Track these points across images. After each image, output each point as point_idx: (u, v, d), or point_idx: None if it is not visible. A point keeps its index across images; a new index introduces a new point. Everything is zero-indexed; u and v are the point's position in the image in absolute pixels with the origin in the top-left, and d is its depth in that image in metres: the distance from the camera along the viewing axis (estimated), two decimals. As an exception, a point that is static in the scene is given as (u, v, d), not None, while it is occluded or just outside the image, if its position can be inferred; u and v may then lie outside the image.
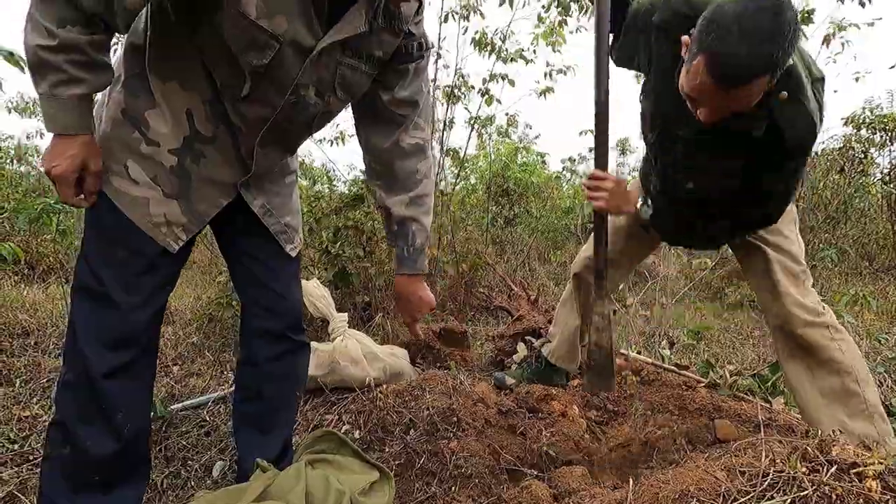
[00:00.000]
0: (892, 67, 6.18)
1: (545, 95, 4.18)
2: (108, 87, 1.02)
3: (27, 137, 6.99)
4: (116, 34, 0.94)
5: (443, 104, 4.32)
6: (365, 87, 1.10)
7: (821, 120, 1.18)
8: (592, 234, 1.55)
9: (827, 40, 4.26)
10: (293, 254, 1.30)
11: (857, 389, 1.43)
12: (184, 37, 0.98)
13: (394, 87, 1.13)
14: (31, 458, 1.54)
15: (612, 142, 1.53)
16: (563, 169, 8.27)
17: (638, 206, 1.41)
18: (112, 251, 1.04)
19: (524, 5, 3.83)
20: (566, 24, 3.81)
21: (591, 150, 5.87)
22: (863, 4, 3.91)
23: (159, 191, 1.04)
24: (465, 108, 4.23)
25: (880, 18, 4.10)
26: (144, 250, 1.05)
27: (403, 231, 1.22)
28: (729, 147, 1.19)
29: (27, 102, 6.62)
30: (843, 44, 4.19)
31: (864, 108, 5.67)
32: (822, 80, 1.20)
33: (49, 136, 0.94)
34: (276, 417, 1.36)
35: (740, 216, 1.33)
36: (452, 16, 3.99)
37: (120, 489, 1.12)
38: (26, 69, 0.95)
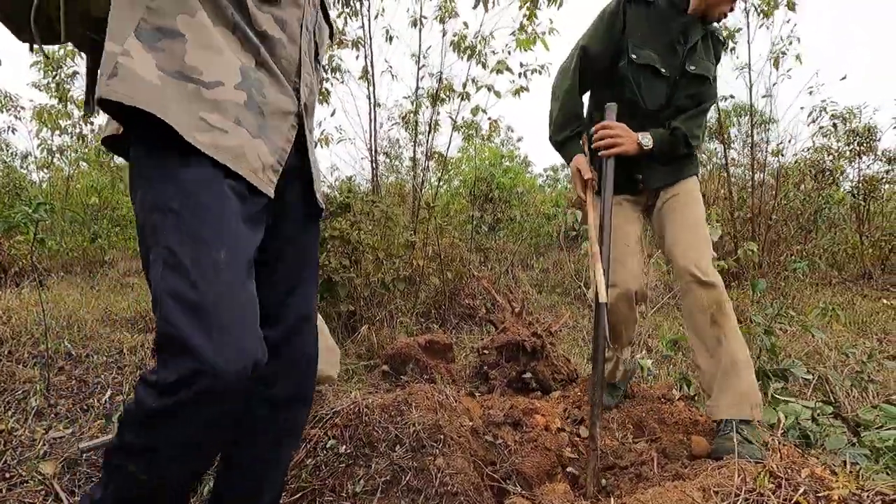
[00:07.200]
0: (843, 79, 6.44)
1: (519, 95, 4.21)
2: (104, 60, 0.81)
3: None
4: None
5: (427, 107, 4.37)
6: None
7: None
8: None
9: (776, 62, 4.38)
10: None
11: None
12: None
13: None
14: (6, 475, 1.50)
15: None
16: (547, 178, 8.39)
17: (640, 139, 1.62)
18: None
19: (493, 5, 3.85)
20: (536, 17, 3.82)
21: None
22: (793, 7, 4.02)
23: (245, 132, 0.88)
24: (450, 117, 4.26)
25: (795, 24, 4.36)
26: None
27: None
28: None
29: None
30: (797, 57, 4.35)
31: (814, 108, 5.73)
32: None
33: None
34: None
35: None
36: (421, 21, 4.01)
37: None
38: None
